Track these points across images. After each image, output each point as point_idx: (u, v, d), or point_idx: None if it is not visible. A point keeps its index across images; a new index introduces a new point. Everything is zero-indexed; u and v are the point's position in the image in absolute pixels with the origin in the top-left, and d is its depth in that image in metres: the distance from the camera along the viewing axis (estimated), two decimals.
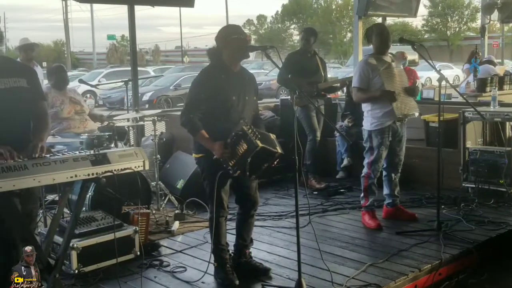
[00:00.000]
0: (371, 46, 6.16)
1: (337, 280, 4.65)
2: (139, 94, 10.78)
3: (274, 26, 73.95)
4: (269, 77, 29.15)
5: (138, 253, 5.16)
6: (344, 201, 7.16)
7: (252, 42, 58.15)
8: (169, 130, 8.61)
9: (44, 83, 7.70)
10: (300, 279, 4.30)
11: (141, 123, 7.30)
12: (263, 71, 33.04)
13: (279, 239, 5.84)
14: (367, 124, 6.06)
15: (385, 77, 5.90)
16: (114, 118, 7.50)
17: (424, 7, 58.68)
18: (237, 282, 4.64)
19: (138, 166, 3.97)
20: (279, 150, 4.37)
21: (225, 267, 4.71)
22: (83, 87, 22.91)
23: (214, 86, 4.50)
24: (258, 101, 5.04)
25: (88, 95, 26.73)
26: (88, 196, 5.59)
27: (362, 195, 6.22)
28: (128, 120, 7.18)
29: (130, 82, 7.66)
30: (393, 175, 6.24)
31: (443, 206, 6.39)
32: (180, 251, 5.52)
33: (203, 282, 4.72)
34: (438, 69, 5.83)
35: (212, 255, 4.75)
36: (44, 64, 33.67)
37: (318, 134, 7.80)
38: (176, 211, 6.56)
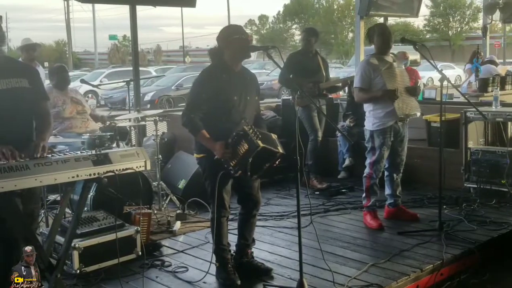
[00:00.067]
0: (372, 46, 6.15)
1: (339, 280, 4.65)
2: (141, 94, 10.79)
3: (276, 26, 73.93)
4: (270, 77, 29.13)
5: (140, 253, 5.16)
6: (346, 201, 7.16)
7: (254, 42, 58.16)
8: (171, 130, 8.61)
9: (46, 83, 7.70)
10: (301, 279, 4.30)
11: (143, 123, 7.29)
12: (265, 71, 33.03)
13: (280, 239, 5.83)
14: (369, 124, 6.05)
15: (387, 77, 5.89)
16: (116, 118, 7.50)
17: (425, 7, 58.62)
18: (238, 282, 4.64)
19: (140, 166, 3.98)
20: (280, 150, 4.37)
21: (226, 267, 4.71)
22: (85, 87, 22.92)
23: (215, 86, 4.50)
24: (260, 101, 5.04)
25: (90, 95, 26.73)
26: (89, 196, 5.58)
27: (364, 195, 6.22)
28: (129, 120, 7.18)
29: (132, 82, 7.66)
30: (395, 175, 6.23)
31: (444, 206, 6.38)
32: (182, 251, 5.52)
33: (204, 282, 4.72)
34: (439, 69, 5.82)
35: (214, 255, 4.75)
36: (46, 64, 33.76)
37: (320, 134, 7.80)
38: (178, 211, 6.56)
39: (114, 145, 6.35)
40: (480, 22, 21.43)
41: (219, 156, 4.35)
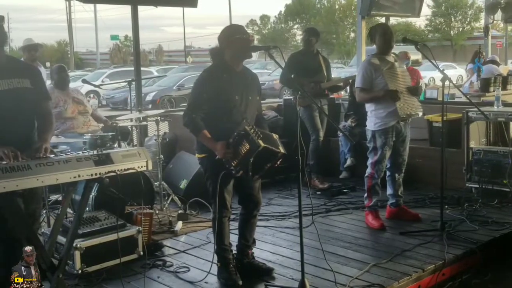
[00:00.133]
0: (374, 46, 6.15)
1: (340, 280, 4.65)
2: (142, 94, 10.78)
3: (277, 26, 73.91)
4: (272, 77, 29.15)
5: (141, 253, 5.16)
6: (347, 201, 7.16)
7: (255, 42, 58.17)
8: (172, 130, 8.61)
9: (47, 83, 7.71)
10: (303, 279, 4.30)
11: (144, 123, 7.31)
12: (266, 71, 33.04)
13: (282, 239, 5.83)
14: (371, 124, 6.05)
15: (388, 77, 5.89)
16: (117, 118, 7.50)
17: (427, 7, 58.46)
18: (240, 282, 4.64)
19: (141, 166, 3.98)
20: (281, 150, 4.37)
21: (228, 267, 4.71)
22: (87, 87, 22.93)
23: (216, 86, 4.50)
24: (262, 101, 5.04)
25: (92, 95, 26.76)
26: (91, 196, 5.59)
27: (365, 195, 6.22)
28: (131, 120, 7.18)
29: (134, 82, 7.67)
30: (396, 175, 6.23)
31: (446, 206, 6.37)
32: (183, 251, 5.52)
33: (206, 282, 4.72)
34: (441, 69, 5.82)
35: (215, 255, 4.75)
36: (48, 64, 33.76)
37: (321, 134, 7.80)
38: (179, 211, 6.56)
39: (116, 145, 6.35)
40: (482, 22, 21.42)
41: (220, 156, 4.35)
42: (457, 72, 33.53)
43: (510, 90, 9.68)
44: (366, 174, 6.15)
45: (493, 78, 9.86)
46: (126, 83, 7.46)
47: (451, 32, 61.98)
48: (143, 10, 9.62)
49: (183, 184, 7.20)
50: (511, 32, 43.82)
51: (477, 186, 7.05)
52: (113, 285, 4.69)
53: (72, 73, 37.27)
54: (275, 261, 5.19)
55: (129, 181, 4.34)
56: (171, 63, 57.77)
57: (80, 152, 3.92)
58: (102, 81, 28.81)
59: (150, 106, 22.92)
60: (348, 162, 8.38)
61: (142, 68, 9.62)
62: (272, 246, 5.63)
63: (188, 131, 4.56)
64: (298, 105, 7.16)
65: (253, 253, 5.01)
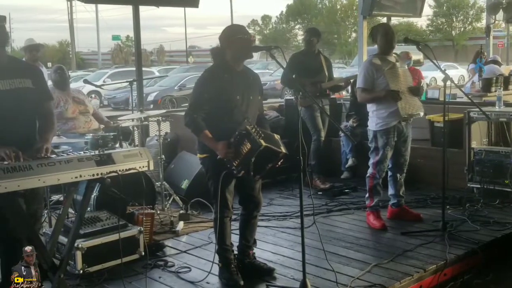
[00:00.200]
0: (375, 46, 6.15)
1: (342, 280, 4.64)
2: (144, 95, 10.76)
3: (279, 26, 73.96)
4: (273, 77, 29.16)
5: (143, 253, 5.16)
6: (349, 201, 7.15)
7: (257, 42, 58.16)
8: (174, 130, 8.61)
9: (48, 83, 7.72)
10: (304, 280, 4.30)
11: (146, 123, 7.31)
12: (268, 71, 33.04)
13: (283, 240, 5.83)
14: (372, 124, 6.05)
15: (390, 77, 5.89)
16: (119, 118, 7.50)
17: (429, 7, 58.58)
18: (241, 283, 4.64)
19: (143, 166, 3.99)
20: (283, 150, 4.36)
21: (229, 267, 4.71)
22: (88, 87, 22.95)
23: (217, 86, 4.50)
24: (263, 101, 5.04)
25: (93, 95, 26.77)
26: (93, 196, 5.60)
27: (367, 195, 6.21)
28: (132, 120, 7.18)
29: (135, 83, 7.67)
30: (398, 175, 6.23)
31: (448, 207, 6.37)
32: (185, 251, 5.52)
33: (207, 283, 4.72)
34: (443, 69, 5.82)
35: (217, 255, 4.75)
36: (49, 64, 33.76)
37: (323, 134, 7.79)
38: (181, 211, 6.57)
39: (117, 145, 6.36)
40: (484, 22, 21.41)
41: (221, 156, 4.35)
42: (459, 72, 33.54)
43: (511, 90, 9.68)
44: (368, 174, 6.15)
45: (494, 78, 9.85)
46: (128, 83, 7.46)
47: (453, 32, 62.01)
48: (144, 10, 9.60)
49: (184, 184, 7.20)
50: None
51: (479, 186, 7.05)
52: (114, 285, 4.69)
53: (74, 73, 37.35)
54: (277, 261, 5.19)
55: (131, 181, 4.33)
56: (173, 63, 57.79)
57: (82, 152, 3.92)
58: (104, 81, 28.82)
59: (151, 106, 22.92)
60: (350, 162, 8.37)
61: (143, 68, 9.62)
62: (273, 246, 5.63)
63: (190, 131, 4.56)
64: (300, 105, 7.16)
65: (254, 253, 5.01)
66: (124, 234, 5.04)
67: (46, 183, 3.56)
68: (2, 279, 3.91)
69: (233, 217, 4.92)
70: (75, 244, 4.63)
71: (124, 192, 4.34)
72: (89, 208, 5.48)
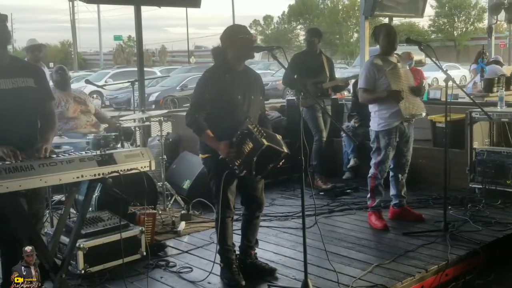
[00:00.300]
0: (377, 47, 6.15)
1: (343, 280, 4.64)
2: (146, 95, 10.79)
3: (281, 27, 73.87)
4: (275, 77, 29.15)
5: (144, 253, 5.16)
6: (351, 202, 7.15)
7: (259, 43, 58.12)
8: (176, 131, 8.61)
9: (50, 84, 7.73)
10: (306, 280, 4.30)
11: (148, 123, 7.32)
12: (270, 71, 33.03)
13: (285, 240, 5.83)
14: (374, 124, 6.04)
15: (391, 78, 5.88)
16: (121, 118, 7.51)
17: (430, 7, 58.55)
18: (243, 283, 4.64)
19: (145, 167, 3.98)
20: (285, 149, 4.36)
21: (231, 267, 4.71)
22: (90, 88, 22.95)
23: (218, 86, 4.50)
24: (265, 102, 5.03)
25: (95, 96, 26.77)
26: (94, 196, 5.60)
27: (368, 195, 6.21)
28: (134, 120, 7.19)
29: (137, 83, 7.67)
30: (400, 175, 6.22)
31: (450, 207, 6.37)
32: (186, 252, 5.52)
33: (209, 283, 4.72)
34: (444, 69, 5.81)
35: (218, 256, 4.75)
36: (51, 64, 33.77)
37: (324, 134, 7.79)
38: (182, 212, 6.57)
39: (119, 145, 6.36)
40: (485, 22, 21.38)
41: (223, 156, 4.35)
42: (461, 72, 33.53)
43: None
44: (369, 175, 6.15)
45: (496, 78, 9.85)
46: (129, 83, 7.47)
47: (455, 32, 61.92)
48: (146, 10, 9.60)
49: (186, 184, 7.20)
50: None
51: (481, 186, 7.04)
52: (116, 285, 4.69)
53: (76, 73, 37.38)
54: (278, 261, 5.18)
55: (132, 181, 4.33)
56: (175, 63, 57.80)
57: (83, 152, 3.92)
58: (106, 82, 28.86)
59: (153, 106, 22.93)
60: (351, 162, 8.37)
61: (145, 69, 9.63)
62: (275, 246, 5.63)
63: (191, 132, 4.56)
64: (301, 106, 7.16)
65: (256, 253, 5.01)
66: (126, 234, 5.04)
67: (48, 183, 3.56)
68: (2, 279, 3.91)
69: (235, 217, 4.92)
70: (77, 244, 4.63)
71: (126, 192, 4.34)
72: (90, 208, 5.47)
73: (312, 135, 7.73)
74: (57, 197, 6.26)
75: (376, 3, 8.96)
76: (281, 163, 4.44)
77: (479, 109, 6.77)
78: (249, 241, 4.92)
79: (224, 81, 4.51)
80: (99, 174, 3.72)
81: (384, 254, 5.32)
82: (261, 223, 5.17)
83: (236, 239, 4.95)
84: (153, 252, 5.29)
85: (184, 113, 4.67)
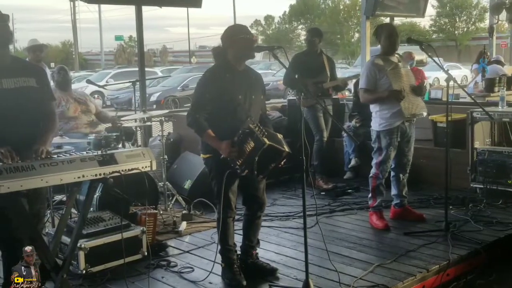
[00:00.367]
0: (378, 46, 6.14)
1: (345, 280, 4.64)
2: (147, 95, 10.79)
3: (282, 27, 73.86)
4: (276, 77, 29.12)
5: (146, 253, 5.16)
6: (352, 202, 7.15)
7: (260, 43, 58.09)
8: (177, 131, 8.61)
9: (51, 84, 7.73)
10: (307, 280, 4.30)
11: (149, 123, 7.31)
12: (271, 71, 33.01)
13: (286, 240, 5.83)
14: (376, 124, 6.04)
15: (392, 78, 5.88)
16: (122, 118, 7.51)
17: (432, 7, 58.49)
18: (244, 283, 4.64)
19: (146, 167, 3.98)
20: (286, 149, 4.36)
21: (232, 267, 4.71)
22: (91, 88, 22.95)
23: (219, 86, 4.50)
24: (266, 101, 5.03)
25: (96, 96, 26.78)
26: (95, 196, 5.59)
27: (370, 195, 6.21)
28: (135, 120, 7.19)
29: (138, 83, 7.66)
30: (401, 175, 6.22)
31: (451, 207, 6.36)
32: (188, 252, 5.53)
33: (210, 283, 4.72)
34: (446, 69, 5.81)
35: (219, 256, 4.75)
36: (52, 65, 33.80)
37: (325, 134, 7.80)
38: (184, 212, 6.57)
39: (120, 145, 6.36)
40: (487, 22, 21.36)
41: (225, 155, 4.35)
42: (462, 72, 33.46)
43: None
44: (371, 175, 6.15)
45: (497, 78, 9.86)
46: (131, 83, 7.45)
47: (456, 32, 61.88)
48: (147, 10, 9.62)
49: (187, 184, 7.20)
50: None
51: (482, 186, 7.04)
52: (117, 285, 4.70)
53: (77, 73, 37.37)
54: (279, 261, 5.19)
55: (134, 181, 4.35)
56: (176, 63, 57.79)
57: (85, 153, 3.92)
58: (107, 82, 28.83)
59: (154, 106, 22.90)
60: (353, 162, 8.37)
61: (146, 69, 9.63)
62: (276, 246, 5.63)
63: (192, 132, 4.56)
64: (302, 106, 7.17)
65: (257, 253, 5.01)
66: (127, 234, 5.05)
67: (49, 183, 3.56)
68: (3, 280, 3.91)
69: (237, 217, 4.92)
70: (78, 244, 4.63)
71: (127, 192, 4.35)
72: (92, 208, 5.47)
73: (313, 135, 7.73)
74: (58, 197, 6.26)
75: (377, 3, 8.96)
76: (282, 162, 4.44)
77: (480, 109, 6.77)
78: (250, 241, 4.92)
79: (225, 81, 4.51)
80: (100, 174, 3.72)
81: (385, 254, 5.32)
82: (263, 223, 5.16)
83: (237, 239, 4.95)
84: (154, 252, 5.29)
85: (185, 113, 4.67)
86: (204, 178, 6.10)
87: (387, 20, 10.46)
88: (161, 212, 6.42)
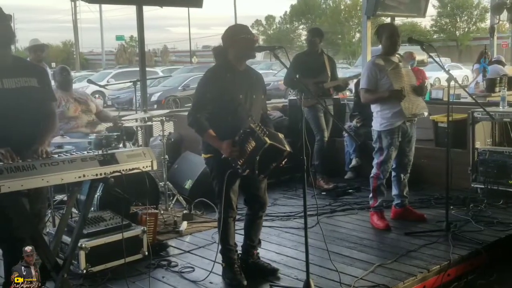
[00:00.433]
0: (379, 46, 6.14)
1: (345, 280, 4.64)
2: (148, 95, 10.78)
3: (283, 27, 73.87)
4: (277, 77, 29.10)
5: (146, 253, 5.16)
6: (353, 202, 7.15)
7: (261, 43, 58.05)
8: (178, 131, 8.62)
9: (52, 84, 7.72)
10: (308, 280, 4.30)
11: (150, 123, 7.30)
12: (272, 71, 33.00)
13: (287, 240, 5.83)
14: (377, 124, 6.04)
15: (393, 77, 5.88)
16: (123, 118, 7.51)
17: (432, 7, 58.44)
18: (245, 283, 4.64)
19: (146, 166, 3.98)
20: (287, 148, 4.36)
21: (233, 267, 4.71)
22: (92, 87, 22.97)
23: (220, 86, 4.50)
24: (267, 101, 5.03)
25: (97, 96, 26.79)
26: (96, 196, 5.59)
27: (370, 195, 6.21)
28: (136, 120, 7.19)
29: (139, 83, 7.67)
30: (402, 175, 6.22)
31: (452, 207, 6.36)
32: (188, 251, 5.53)
33: (211, 282, 4.72)
34: (447, 69, 5.81)
35: (220, 255, 4.75)
36: (53, 65, 33.79)
37: (326, 134, 7.79)
38: (184, 211, 6.57)
39: (121, 145, 6.36)
40: (488, 22, 21.35)
41: (226, 155, 4.35)
42: (463, 72, 33.46)
43: None
44: (372, 175, 6.14)
45: (498, 78, 9.85)
46: (131, 83, 7.46)
47: (457, 32, 61.87)
48: (148, 10, 9.64)
49: (188, 184, 7.20)
50: None
51: (483, 186, 7.04)
52: (118, 285, 4.70)
53: (78, 73, 37.39)
54: (280, 261, 5.19)
55: (134, 181, 4.35)
56: (177, 63, 57.80)
57: (85, 152, 3.92)
58: (108, 82, 28.87)
59: (155, 106, 22.92)
60: (353, 162, 8.37)
61: (147, 69, 9.63)
62: (277, 246, 5.63)
63: (193, 131, 4.56)
64: (303, 106, 7.17)
65: (258, 253, 5.01)
66: (128, 234, 5.05)
67: (50, 182, 3.56)
68: (5, 279, 3.91)
69: (238, 217, 4.92)
70: (79, 244, 4.63)
71: (128, 192, 4.34)
72: (92, 208, 5.48)
73: (313, 135, 7.73)
74: (59, 197, 6.26)
75: (378, 3, 8.96)
76: (283, 162, 4.44)
77: (481, 109, 6.77)
78: (251, 240, 4.92)
79: (225, 81, 4.51)
80: (101, 174, 3.72)
81: (386, 254, 5.31)
82: (263, 223, 5.16)
83: (238, 238, 4.95)
84: (155, 252, 5.28)
85: (186, 113, 4.67)
86: (205, 178, 6.11)
87: (388, 20, 10.46)
88: (162, 212, 6.42)
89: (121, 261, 4.73)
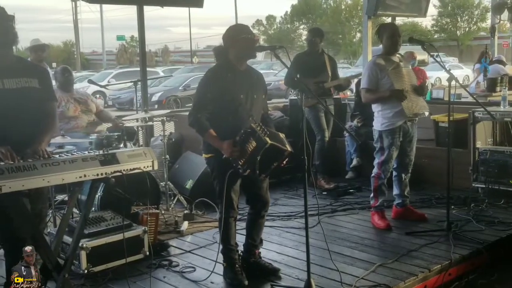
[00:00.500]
0: (380, 46, 6.14)
1: (346, 280, 4.64)
2: (148, 95, 10.79)
3: (283, 27, 73.84)
4: (278, 77, 29.09)
5: (147, 253, 5.16)
6: (354, 201, 7.15)
7: (261, 43, 58.06)
8: (178, 130, 8.62)
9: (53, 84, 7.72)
10: (309, 279, 4.30)
11: (150, 123, 7.30)
12: (272, 71, 33.00)
13: (288, 240, 5.83)
14: (378, 124, 6.04)
15: (394, 77, 5.88)
16: (123, 118, 7.51)
17: (433, 7, 58.32)
18: (246, 282, 4.64)
19: (147, 166, 3.99)
20: (288, 148, 4.36)
21: (234, 267, 4.71)
22: (93, 88, 22.97)
23: (220, 86, 4.50)
24: (267, 101, 5.03)
25: (98, 96, 26.79)
26: (97, 196, 5.60)
27: (371, 195, 6.21)
28: (137, 120, 7.19)
29: (139, 83, 7.67)
30: (403, 175, 6.22)
31: (453, 207, 6.35)
32: (189, 251, 5.53)
33: (212, 282, 4.72)
34: (447, 69, 5.81)
35: (221, 255, 4.75)
36: (54, 65, 33.80)
37: (327, 134, 7.79)
38: (185, 211, 6.57)
39: (122, 145, 6.36)
40: (488, 22, 21.34)
41: (227, 155, 4.35)
42: (464, 72, 33.44)
43: None
44: (373, 174, 6.14)
45: (499, 78, 9.85)
46: (132, 83, 7.46)
47: (458, 32, 61.83)
48: (149, 10, 9.63)
49: (189, 184, 7.20)
50: None
51: (484, 186, 7.03)
52: (119, 285, 4.70)
53: (79, 73, 37.38)
54: (281, 261, 5.19)
55: (135, 181, 4.34)
56: (177, 63, 57.77)
57: (86, 152, 3.92)
58: (108, 82, 28.86)
59: (156, 106, 22.93)
60: (354, 162, 8.37)
61: (148, 69, 9.63)
62: (278, 246, 5.63)
63: (194, 131, 4.56)
64: (304, 106, 7.16)
65: (260, 252, 5.01)
66: (129, 234, 5.05)
67: (51, 182, 3.56)
68: (6, 279, 3.91)
69: (239, 217, 4.92)
70: (80, 244, 4.63)
71: (129, 192, 4.34)
72: (93, 208, 5.49)
73: (314, 135, 7.73)
74: (60, 197, 6.27)
75: (379, 2, 8.95)
76: (284, 162, 4.44)
77: (482, 109, 6.76)
78: (253, 240, 4.92)
79: (226, 81, 4.51)
80: (102, 174, 3.73)
81: (387, 253, 5.31)
82: (265, 223, 5.16)
83: (240, 238, 4.95)
84: (156, 252, 5.28)
85: (187, 113, 4.67)
86: (206, 178, 6.11)
87: (389, 20, 10.46)
88: (163, 212, 6.43)
89: (122, 261, 4.74)
